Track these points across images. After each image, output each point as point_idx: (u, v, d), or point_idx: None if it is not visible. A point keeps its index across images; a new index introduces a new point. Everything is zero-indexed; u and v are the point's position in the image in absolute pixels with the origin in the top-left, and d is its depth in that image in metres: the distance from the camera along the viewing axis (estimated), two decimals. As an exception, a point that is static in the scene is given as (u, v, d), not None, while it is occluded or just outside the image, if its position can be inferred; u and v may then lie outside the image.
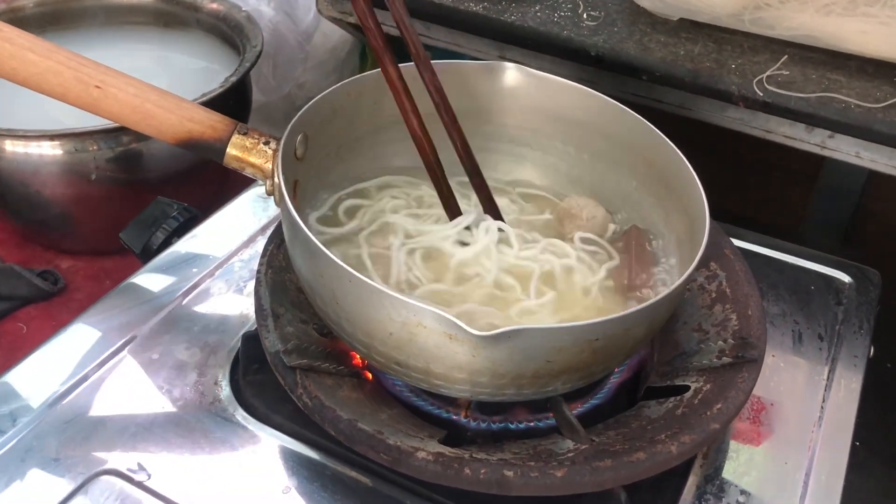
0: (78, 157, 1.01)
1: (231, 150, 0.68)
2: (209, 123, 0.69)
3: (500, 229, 0.76)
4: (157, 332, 0.78)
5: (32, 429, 0.68)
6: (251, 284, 0.80)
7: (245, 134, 0.68)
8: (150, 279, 0.84)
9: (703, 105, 1.03)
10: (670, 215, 0.77)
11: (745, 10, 0.97)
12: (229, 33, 1.21)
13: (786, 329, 0.82)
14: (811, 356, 0.79)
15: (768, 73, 0.91)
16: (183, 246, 0.88)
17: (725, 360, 0.69)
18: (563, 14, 1.03)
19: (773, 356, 0.79)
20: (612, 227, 0.80)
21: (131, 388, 0.72)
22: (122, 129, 1.00)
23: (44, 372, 0.73)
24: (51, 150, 0.99)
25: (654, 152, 0.77)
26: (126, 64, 1.09)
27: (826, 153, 1.01)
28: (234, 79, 1.07)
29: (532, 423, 0.71)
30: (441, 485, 0.64)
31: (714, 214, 0.68)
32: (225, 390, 0.72)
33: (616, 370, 0.77)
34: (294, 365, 0.65)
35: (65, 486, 0.64)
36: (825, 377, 0.77)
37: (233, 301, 0.81)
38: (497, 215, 0.77)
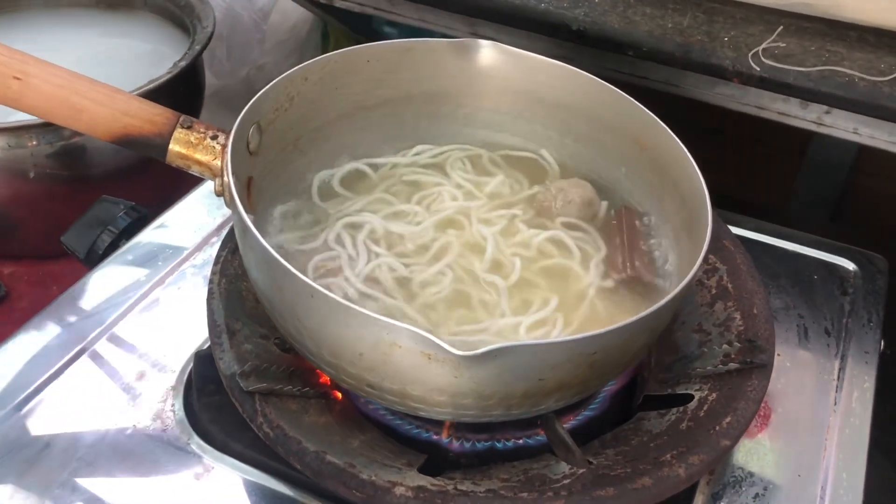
0: (14, 154, 0.92)
1: (174, 147, 0.60)
2: (147, 117, 0.60)
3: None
4: (102, 351, 0.70)
5: (-42, 468, 0.60)
6: (206, 292, 0.72)
7: (189, 128, 0.60)
8: (94, 288, 0.76)
9: (691, 81, 0.96)
10: (664, 202, 0.70)
11: (737, -22, 0.90)
12: (178, 14, 1.12)
13: (790, 324, 0.76)
14: (819, 353, 0.73)
15: (764, 45, 0.84)
16: (130, 250, 0.80)
17: (732, 365, 0.62)
18: (539, -15, 0.95)
19: (779, 355, 0.72)
20: (603, 204, 0.73)
21: (72, 416, 0.64)
22: (62, 123, 0.92)
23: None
24: (-16, 147, 0.90)
25: (645, 135, 0.70)
26: (68, 51, 1.00)
27: (822, 130, 0.95)
28: (183, 63, 0.98)
29: (521, 441, 0.64)
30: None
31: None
32: (178, 415, 0.65)
33: (610, 377, 0.70)
34: (253, 390, 0.58)
35: (-7, 535, 0.56)
36: (835, 377, 0.71)
37: (186, 312, 0.73)
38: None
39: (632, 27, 0.88)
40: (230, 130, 0.61)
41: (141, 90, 0.92)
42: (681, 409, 0.62)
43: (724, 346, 0.64)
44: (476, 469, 0.59)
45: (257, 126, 0.64)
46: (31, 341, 0.70)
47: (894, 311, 0.80)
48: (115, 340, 0.71)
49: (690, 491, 0.62)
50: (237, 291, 0.67)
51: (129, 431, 0.64)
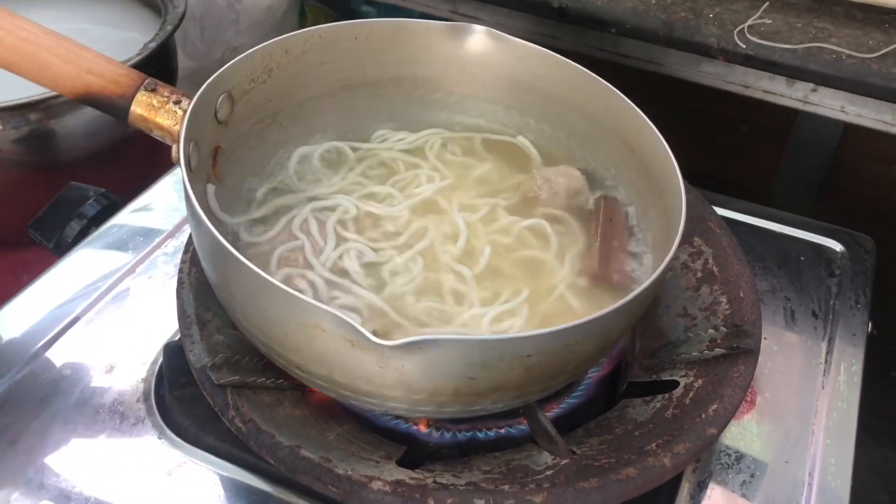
0: (-21, 139, 0.89)
1: (136, 109, 0.59)
2: (112, 77, 0.59)
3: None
4: (70, 343, 0.67)
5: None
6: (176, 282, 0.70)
7: (153, 91, 0.59)
8: (62, 278, 0.74)
9: (675, 59, 0.94)
10: (648, 210, 0.68)
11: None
12: (149, -7, 1.09)
13: (777, 307, 0.74)
14: (806, 336, 0.72)
15: (749, 22, 0.82)
16: (100, 238, 0.77)
17: (718, 351, 0.61)
18: (519, -38, 0.93)
19: (765, 338, 0.71)
20: (591, 195, 0.71)
21: (41, 408, 0.62)
22: (29, 106, 0.89)
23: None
24: (-53, 132, 0.87)
25: (635, 137, 0.67)
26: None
27: (808, 108, 0.94)
28: (153, 45, 0.95)
29: (503, 431, 0.63)
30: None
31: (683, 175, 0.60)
32: (148, 409, 0.63)
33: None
34: (224, 383, 0.56)
35: (-43, 537, 0.54)
36: (823, 360, 0.70)
37: (157, 303, 0.71)
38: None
39: (614, 4, 0.86)
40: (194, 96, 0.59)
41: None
42: (666, 396, 0.61)
43: (710, 330, 0.63)
44: (457, 460, 0.58)
45: (228, 95, 0.62)
46: (-4, 333, 0.68)
47: (880, 291, 0.79)
48: (84, 332, 0.68)
49: (676, 479, 0.61)
50: (208, 282, 0.64)
51: (97, 426, 0.61)
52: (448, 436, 0.62)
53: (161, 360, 0.66)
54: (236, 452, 0.60)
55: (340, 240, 0.64)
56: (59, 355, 0.66)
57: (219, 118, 0.63)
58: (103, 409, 0.63)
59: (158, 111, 0.59)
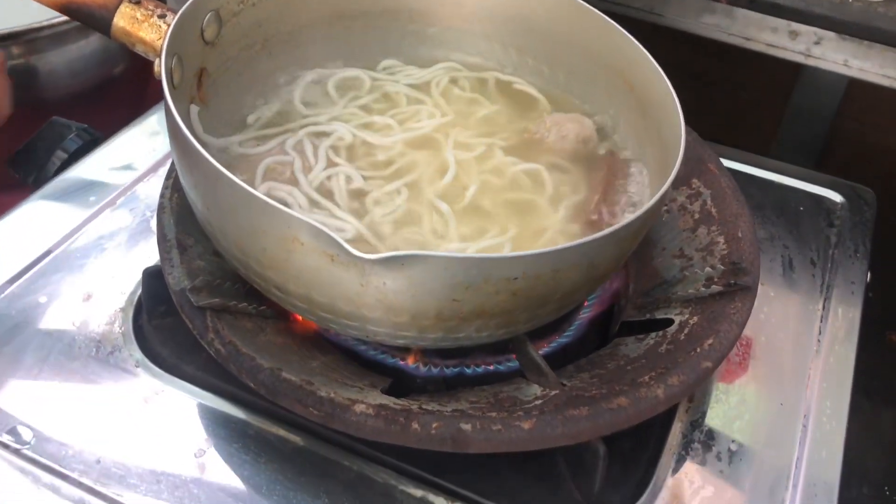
0: (-43, 74, 0.86)
1: (118, 22, 0.57)
2: None
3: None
4: (47, 271, 0.65)
5: None
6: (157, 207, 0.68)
7: (137, 3, 0.57)
8: (41, 208, 0.71)
9: (675, 10, 0.92)
10: (645, 149, 0.66)
11: None
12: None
13: (775, 255, 0.73)
14: (804, 284, 0.70)
15: (753, -36, 0.81)
16: (81, 171, 0.75)
17: (715, 288, 0.59)
18: None
19: (763, 285, 0.69)
20: (601, 145, 0.69)
21: (13, 336, 0.60)
22: (10, 38, 0.86)
23: None
24: (-76, 65, 0.84)
25: (635, 73, 0.65)
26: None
27: (811, 62, 0.92)
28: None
29: (492, 367, 0.61)
30: (385, 443, 0.54)
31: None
32: (126, 337, 0.61)
33: (586, 304, 0.67)
34: (203, 305, 0.54)
35: (-78, 458, 0.52)
36: (820, 306, 0.68)
37: (137, 234, 0.69)
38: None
39: (616, -54, 0.83)
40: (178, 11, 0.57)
41: None
42: (660, 333, 0.59)
43: (707, 269, 0.61)
44: (443, 392, 0.56)
45: (216, 14, 0.60)
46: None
47: (878, 254, 0.77)
48: (61, 261, 0.66)
49: (668, 418, 0.59)
50: (191, 208, 0.62)
51: (73, 353, 0.59)
52: (435, 371, 0.60)
53: (140, 290, 0.63)
54: (215, 382, 0.58)
55: (331, 164, 0.62)
56: (34, 283, 0.64)
57: (205, 38, 0.61)
58: (79, 336, 0.61)
59: (142, 24, 0.57)
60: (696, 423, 0.59)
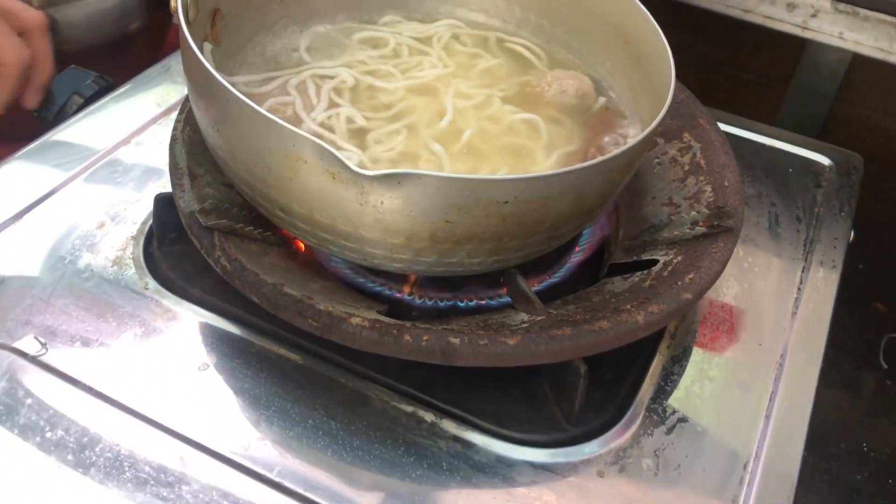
0: (-20, 22, 0.89)
1: None
2: None
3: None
4: (64, 198, 0.69)
5: None
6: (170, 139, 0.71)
7: None
8: (59, 142, 0.74)
9: (677, -20, 0.95)
10: (638, 98, 0.69)
11: None
12: None
13: (762, 210, 0.75)
14: (788, 237, 0.73)
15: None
16: (96, 112, 0.78)
17: (699, 230, 0.62)
18: None
19: (749, 237, 0.72)
20: (599, 101, 0.72)
21: (28, 260, 0.63)
22: (29, -9, 0.89)
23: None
24: (-52, 13, 0.88)
25: (630, 26, 0.68)
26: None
27: (807, 35, 0.95)
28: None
29: (484, 302, 0.64)
30: (379, 362, 0.57)
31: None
32: (137, 261, 0.64)
33: (577, 248, 0.70)
34: (211, 225, 0.57)
35: (-57, 360, 0.55)
36: (803, 258, 0.71)
37: (148, 170, 0.72)
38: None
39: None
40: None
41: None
42: (645, 271, 0.62)
43: (693, 213, 0.64)
44: (436, 319, 0.59)
45: (230, -44, 0.63)
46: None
47: (869, 224, 0.80)
48: (76, 192, 0.69)
49: (650, 352, 0.62)
50: (201, 142, 0.65)
51: (85, 274, 0.63)
52: (430, 303, 0.63)
53: (150, 220, 0.67)
54: (220, 303, 0.61)
55: (333, 105, 0.65)
56: (51, 211, 0.67)
57: (219, -20, 0.64)
58: (93, 260, 0.64)
59: (160, -38, 0.60)
60: (678, 357, 0.62)
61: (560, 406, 0.57)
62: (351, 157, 0.59)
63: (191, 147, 0.64)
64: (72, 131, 0.76)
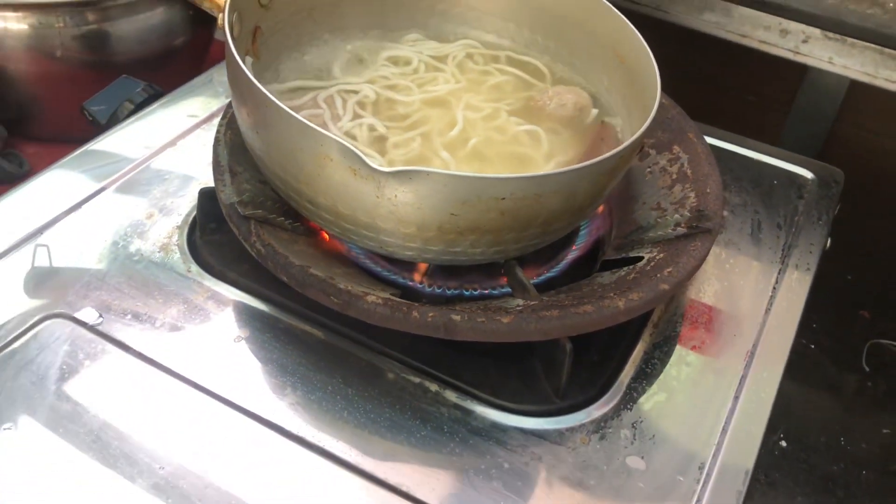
0: (42, 33, 0.99)
1: None
2: None
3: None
4: (117, 192, 0.77)
5: (-16, 274, 0.68)
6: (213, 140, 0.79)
7: None
8: (114, 143, 0.83)
9: (679, 7, 1.02)
10: (632, 112, 0.76)
11: None
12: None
13: (745, 217, 0.82)
14: (769, 242, 0.80)
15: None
16: (145, 118, 0.87)
17: (680, 230, 0.69)
18: None
19: (731, 241, 0.79)
20: (593, 113, 0.79)
21: (87, 243, 0.72)
22: (87, 5, 0.99)
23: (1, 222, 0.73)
24: (16, 25, 0.98)
25: (625, 47, 0.75)
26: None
27: (799, 59, 1.01)
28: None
29: (486, 291, 0.71)
30: (391, 339, 0.64)
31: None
32: (181, 249, 0.72)
33: (574, 247, 0.77)
34: (249, 214, 0.65)
35: (13, 327, 0.64)
36: (780, 261, 0.78)
37: (195, 169, 0.81)
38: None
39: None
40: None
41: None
42: (631, 266, 0.69)
43: (676, 216, 0.71)
44: (442, 304, 0.66)
45: (271, -18, 0.71)
46: (53, 179, 0.78)
47: (858, 237, 0.86)
48: (128, 187, 0.78)
49: (634, 339, 0.69)
50: (241, 144, 0.74)
51: (136, 258, 0.71)
52: (438, 291, 0.71)
53: (194, 213, 0.75)
54: (254, 286, 0.69)
55: (357, 116, 0.73)
56: (105, 203, 0.76)
57: (261, 2, 0.72)
58: (143, 246, 0.72)
59: (210, -14, 0.69)
60: (659, 344, 0.69)
61: (549, 381, 0.64)
62: (372, 159, 0.67)
63: (231, 148, 0.72)
64: (124, 134, 0.84)
